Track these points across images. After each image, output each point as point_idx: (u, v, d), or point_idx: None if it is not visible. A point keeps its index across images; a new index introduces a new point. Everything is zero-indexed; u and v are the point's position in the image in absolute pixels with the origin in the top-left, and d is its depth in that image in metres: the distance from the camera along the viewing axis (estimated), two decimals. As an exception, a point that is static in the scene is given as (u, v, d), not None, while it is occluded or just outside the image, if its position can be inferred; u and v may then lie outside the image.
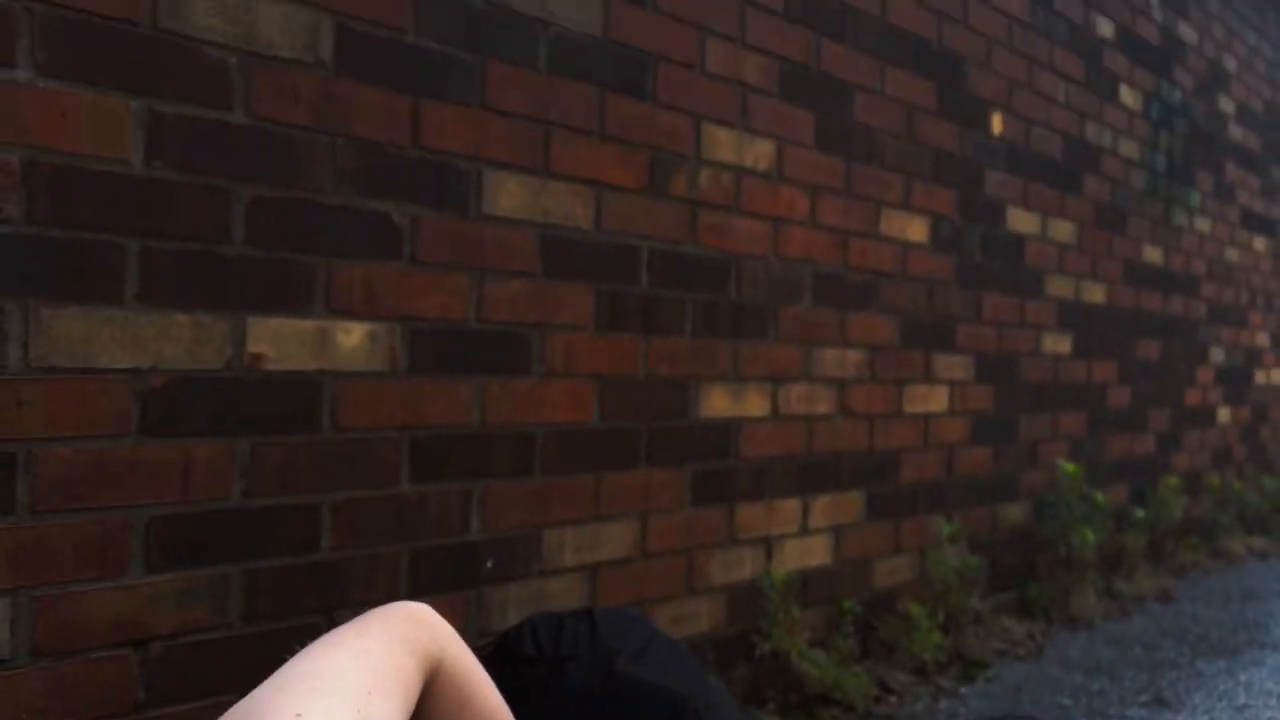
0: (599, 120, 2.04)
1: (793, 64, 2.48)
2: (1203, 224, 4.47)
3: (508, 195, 1.88)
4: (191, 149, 1.45)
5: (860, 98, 2.67)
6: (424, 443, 1.75)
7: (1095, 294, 3.72)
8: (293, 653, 0.58)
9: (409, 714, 0.58)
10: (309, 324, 1.59)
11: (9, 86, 1.29)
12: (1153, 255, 4.09)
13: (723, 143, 2.31)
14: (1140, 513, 3.86)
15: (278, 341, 1.55)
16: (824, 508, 2.60)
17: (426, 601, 0.69)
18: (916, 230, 2.88)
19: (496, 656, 1.64)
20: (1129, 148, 3.89)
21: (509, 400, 1.89)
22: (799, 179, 2.51)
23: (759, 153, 2.40)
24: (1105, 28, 3.71)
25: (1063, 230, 3.52)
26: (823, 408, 2.60)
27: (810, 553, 2.57)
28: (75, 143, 1.34)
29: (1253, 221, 4.94)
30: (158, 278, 1.42)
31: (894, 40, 2.76)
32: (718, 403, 2.32)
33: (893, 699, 2.51)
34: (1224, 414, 4.73)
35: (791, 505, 2.51)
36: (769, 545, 2.45)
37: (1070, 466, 3.38)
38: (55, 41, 1.33)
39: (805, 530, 2.55)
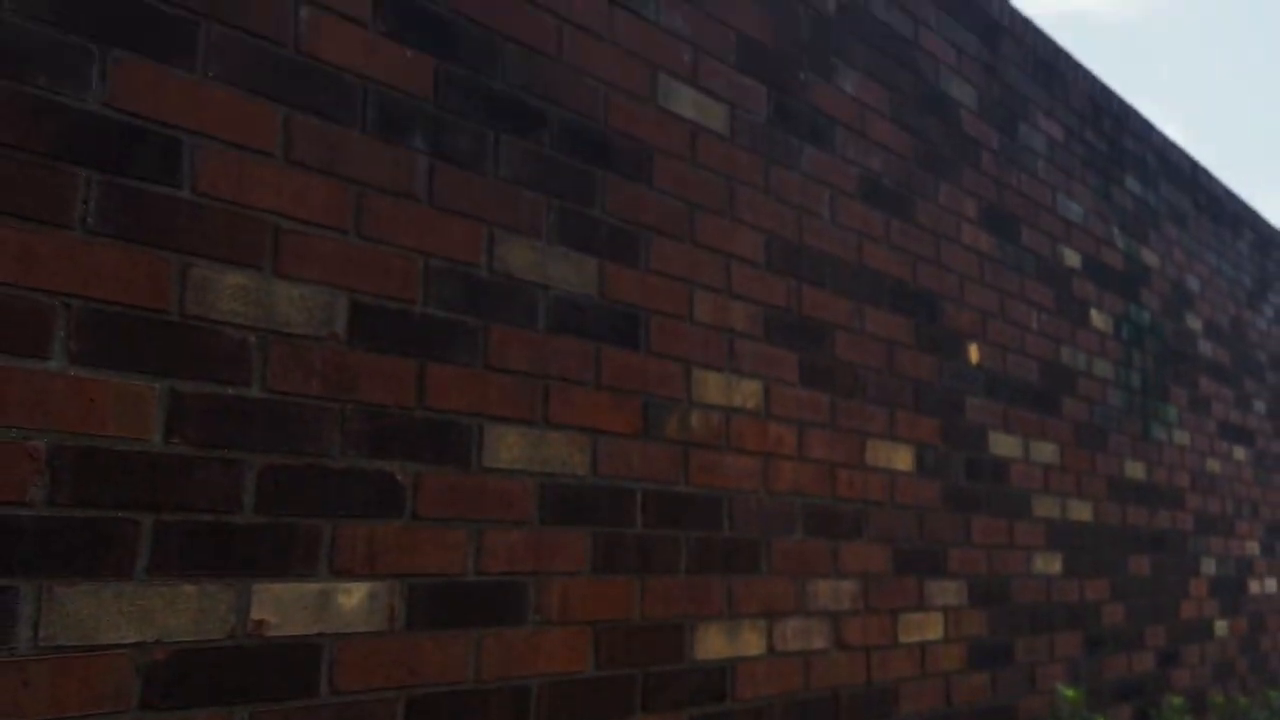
0: (595, 372, 2.14)
1: (776, 309, 2.62)
2: (1182, 437, 4.58)
3: (507, 448, 1.96)
4: (210, 425, 1.53)
5: (841, 336, 2.80)
6: (420, 701, 1.75)
7: (1082, 512, 3.77)
8: None
9: None
10: (312, 587, 1.63)
11: (42, 376, 1.38)
12: (1135, 470, 4.16)
13: (712, 385, 2.41)
14: (1146, 736, 3.77)
15: (280, 607, 1.58)
16: (823, 747, 2.56)
17: None
18: (902, 459, 2.95)
19: None
20: (1103, 368, 4.04)
21: (505, 652, 1.90)
22: (786, 415, 2.60)
23: (747, 393, 2.50)
24: (1072, 258, 3.92)
25: (1045, 451, 3.61)
26: (819, 642, 2.59)
27: (810, 796, 2.50)
28: (100, 426, 1.42)
29: (1230, 432, 5.06)
30: (169, 551, 1.47)
31: (871, 282, 2.93)
32: (714, 642, 2.32)
33: None
34: (1221, 626, 4.69)
35: (789, 746, 2.47)
36: (768, 790, 2.39)
37: (1070, 692, 3.33)
38: (88, 332, 1.42)
39: (804, 772, 2.50)
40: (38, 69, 1.40)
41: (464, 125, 1.95)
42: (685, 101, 2.43)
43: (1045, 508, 3.56)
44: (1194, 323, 4.86)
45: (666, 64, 2.39)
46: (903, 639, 2.87)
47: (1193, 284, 4.91)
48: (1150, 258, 4.54)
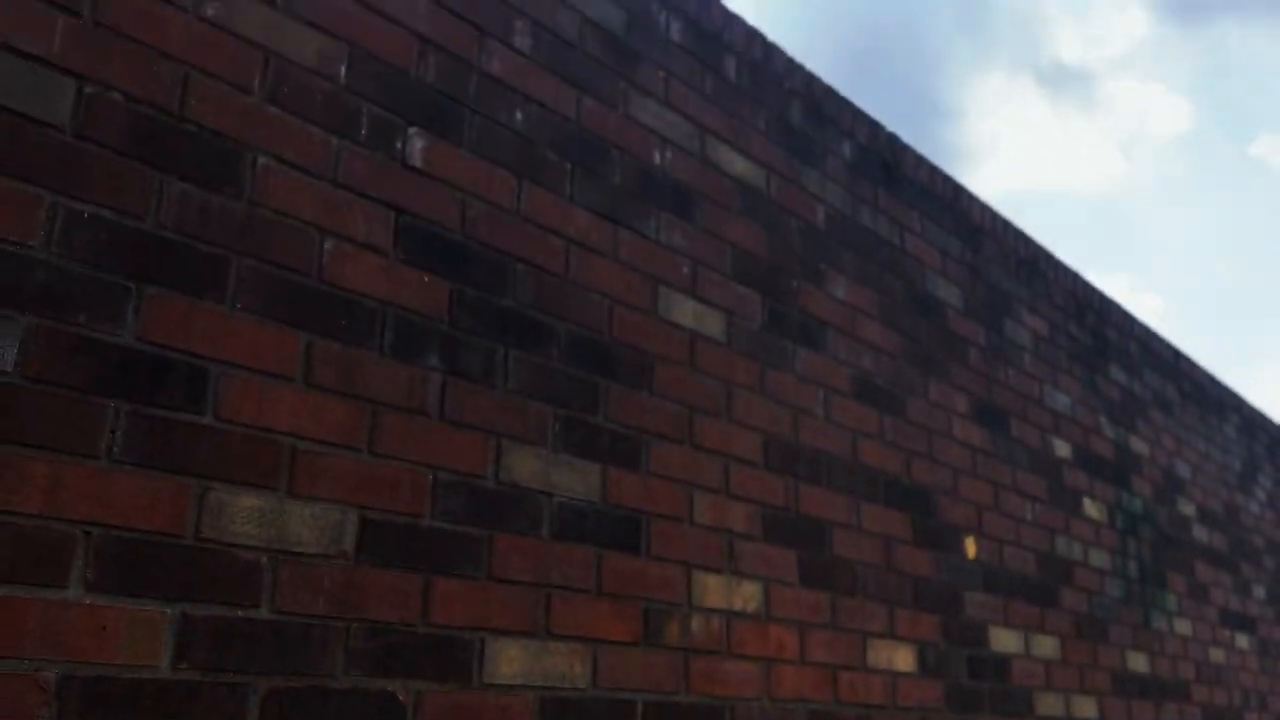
0: (596, 579, 2.16)
1: (774, 509, 2.65)
2: (1183, 626, 4.53)
3: (508, 661, 1.95)
4: (218, 649, 1.54)
5: (839, 534, 2.83)
6: None
7: (1086, 708, 3.70)
8: None
9: None
10: (309, 815, 1.60)
11: (58, 606, 1.40)
12: (1138, 662, 4.11)
13: (712, 589, 2.42)
14: None
15: (277, 838, 1.55)
16: None
17: None
18: (904, 659, 2.93)
19: None
20: (1099, 558, 4.04)
21: None
22: (786, 617, 2.60)
23: (747, 595, 2.51)
24: (1062, 449, 3.99)
25: (1046, 645, 3.57)
26: None
27: None
28: (111, 654, 1.43)
29: (1232, 619, 5.01)
30: (169, 781, 1.45)
31: (867, 479, 2.98)
32: None
33: None
34: (1239, 827, 4.52)
35: None
36: None
37: None
38: (105, 560, 1.45)
39: None
40: (78, 308, 1.49)
41: (476, 342, 2.03)
42: (685, 311, 2.54)
43: (1049, 705, 3.50)
44: (1187, 509, 4.89)
45: (667, 277, 2.51)
46: None
47: (1183, 470, 4.96)
48: (1139, 445, 4.61)
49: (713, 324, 2.62)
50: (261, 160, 1.75)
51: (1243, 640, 5.07)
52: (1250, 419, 5.96)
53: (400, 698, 1.76)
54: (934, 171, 3.66)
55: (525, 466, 2.08)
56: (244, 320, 1.67)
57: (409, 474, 1.86)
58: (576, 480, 2.17)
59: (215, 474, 1.59)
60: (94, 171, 1.54)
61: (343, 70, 1.90)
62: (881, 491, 3.02)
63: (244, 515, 1.61)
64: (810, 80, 3.15)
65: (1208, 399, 5.47)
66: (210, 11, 1.72)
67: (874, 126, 3.40)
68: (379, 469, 1.82)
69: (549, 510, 2.10)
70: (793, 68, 3.08)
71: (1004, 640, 3.37)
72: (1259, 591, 5.39)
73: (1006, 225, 4.02)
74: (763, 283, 2.80)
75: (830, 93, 3.22)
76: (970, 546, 3.34)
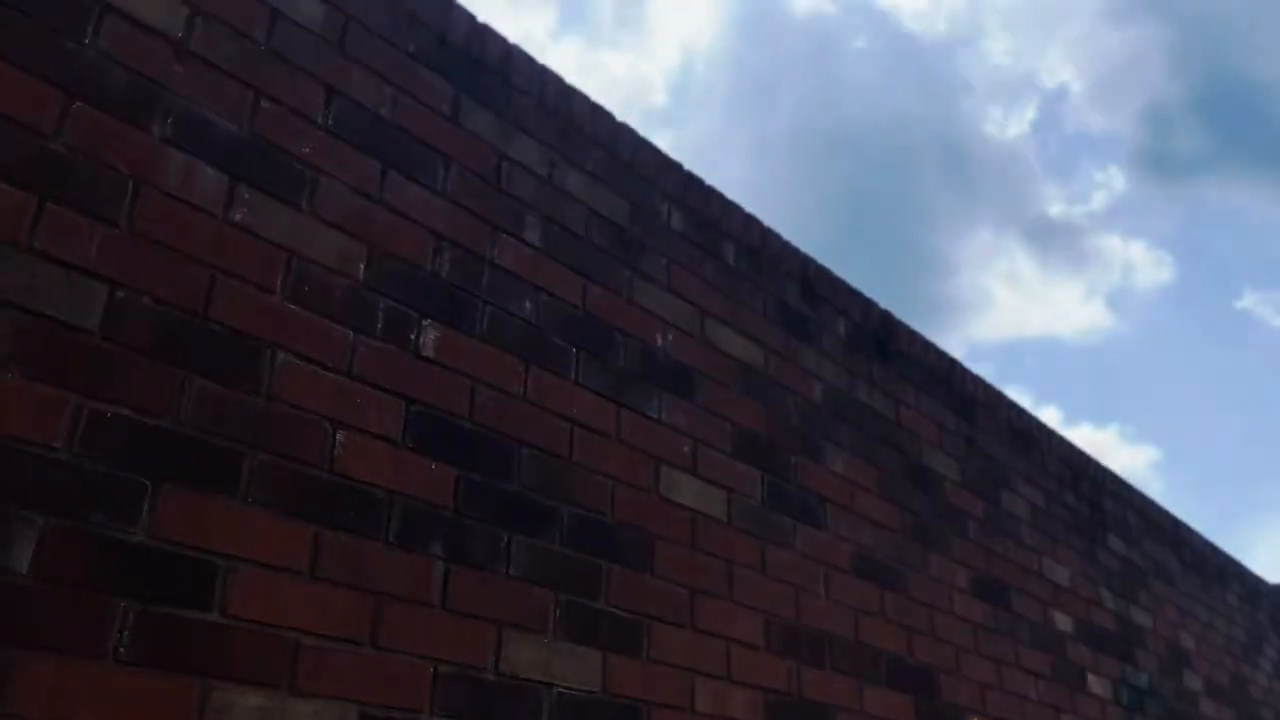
0: (596, 773, 2.11)
1: (776, 693, 2.61)
2: (1197, 808, 4.38)
3: None
4: None
5: (841, 719, 2.78)
6: None
7: None
8: None
9: None
10: None
11: (53, 817, 1.37)
12: None
13: (714, 780, 2.36)
14: None
15: None
16: None
17: None
18: None
19: None
20: (1108, 736, 3.95)
21: None
22: (789, 808, 2.52)
23: (749, 785, 2.45)
24: (1064, 622, 3.95)
25: (1057, 833, 3.45)
26: None
27: None
28: None
29: (1247, 799, 4.85)
30: None
31: (869, 659, 2.94)
32: None
33: None
34: None
35: None
36: None
37: None
38: (105, 766, 1.44)
39: None
40: (95, 507, 1.51)
41: (480, 529, 2.05)
42: (686, 490, 2.57)
43: None
44: (1193, 682, 4.80)
45: (668, 457, 2.54)
46: None
47: (1188, 641, 4.89)
48: (1142, 617, 4.56)
49: (713, 502, 2.64)
50: (280, 357, 1.81)
51: (1260, 822, 4.89)
52: (1253, 587, 5.91)
53: None
54: (927, 346, 3.75)
55: (526, 656, 2.06)
56: (255, 514, 1.70)
57: (410, 667, 1.85)
58: (576, 669, 2.15)
59: (220, 673, 1.58)
60: (119, 373, 1.59)
61: (361, 268, 1.99)
62: (884, 672, 2.98)
63: (246, 715, 1.60)
64: (805, 262, 3.27)
65: (1209, 567, 5.44)
66: (238, 216, 1.82)
67: (868, 304, 3.50)
68: (381, 663, 1.81)
69: (548, 701, 2.07)
70: (788, 251, 3.21)
71: (1013, 828, 3.26)
72: (1273, 769, 5.24)
73: (1000, 397, 4.09)
74: (762, 460, 2.84)
75: (824, 273, 3.34)
76: (975, 728, 3.26)
